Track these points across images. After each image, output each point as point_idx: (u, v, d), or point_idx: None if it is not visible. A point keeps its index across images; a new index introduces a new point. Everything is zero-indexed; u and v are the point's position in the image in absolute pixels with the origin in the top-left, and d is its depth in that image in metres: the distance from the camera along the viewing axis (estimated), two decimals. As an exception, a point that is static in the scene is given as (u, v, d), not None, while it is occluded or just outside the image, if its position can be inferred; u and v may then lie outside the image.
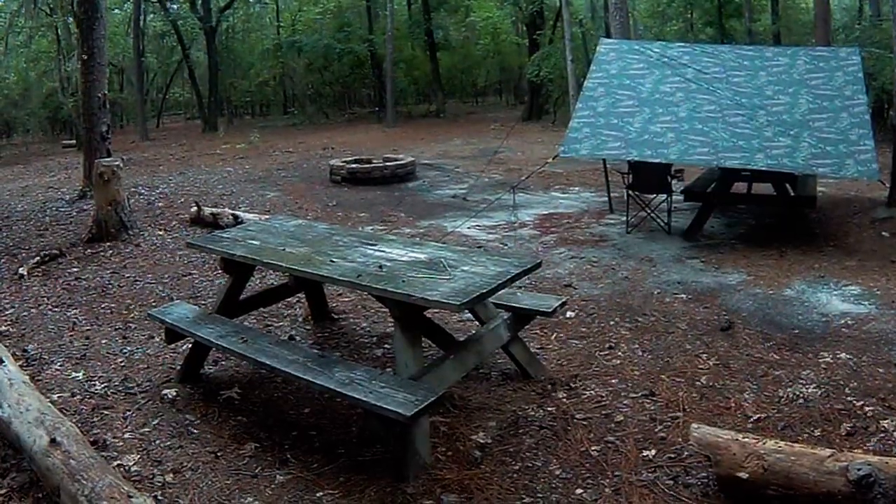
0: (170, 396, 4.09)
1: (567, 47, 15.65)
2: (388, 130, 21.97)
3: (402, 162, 11.92)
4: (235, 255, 3.90)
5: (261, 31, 32.94)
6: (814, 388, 3.90)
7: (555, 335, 4.78)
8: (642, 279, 6.06)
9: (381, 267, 3.44)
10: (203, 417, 3.85)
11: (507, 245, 7.39)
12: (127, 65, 27.47)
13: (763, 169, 6.88)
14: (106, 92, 10.55)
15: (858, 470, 2.54)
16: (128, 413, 3.94)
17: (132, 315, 5.53)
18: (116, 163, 7.98)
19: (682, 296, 5.58)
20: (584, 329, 4.91)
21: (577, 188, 10.80)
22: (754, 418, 3.59)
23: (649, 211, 7.78)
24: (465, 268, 3.39)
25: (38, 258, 7.16)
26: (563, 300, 4.21)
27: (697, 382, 4.01)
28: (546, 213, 9.04)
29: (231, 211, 8.21)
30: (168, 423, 3.79)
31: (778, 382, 4.00)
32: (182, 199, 10.18)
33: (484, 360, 4.00)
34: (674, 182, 7.78)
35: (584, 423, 3.60)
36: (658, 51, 8.33)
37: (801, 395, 3.82)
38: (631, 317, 5.11)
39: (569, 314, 5.17)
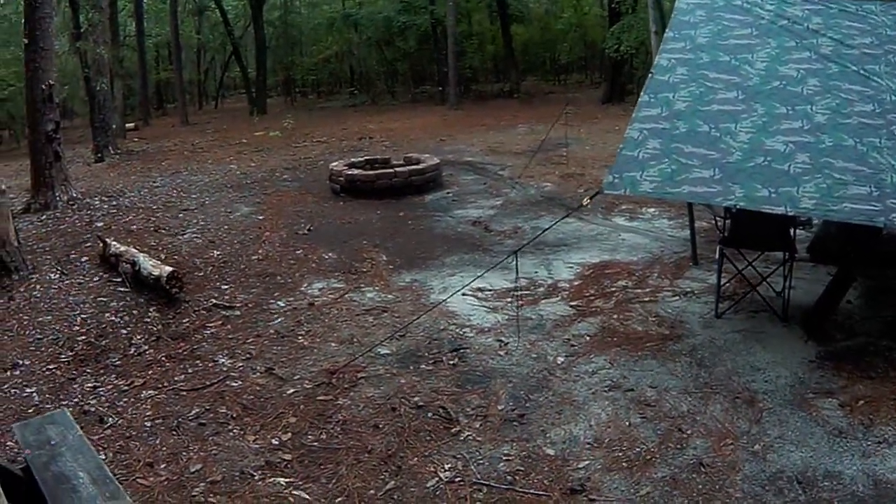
0: None
1: (651, 15, 12.22)
2: (449, 114, 19.24)
3: (419, 167, 9.15)
4: None
5: (330, 4, 30.66)
6: None
7: None
8: (730, 468, 3.08)
9: None
10: None
11: (507, 342, 4.50)
12: (183, 43, 25.83)
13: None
14: (52, 82, 8.39)
15: None
16: None
17: None
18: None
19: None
20: None
21: (651, 211, 7.74)
22: None
23: (755, 281, 4.75)
24: None
25: None
26: None
27: None
28: (597, 261, 6.09)
29: (134, 254, 5.76)
30: None
31: None
32: (131, 216, 7.88)
33: None
34: (798, 231, 4.74)
35: None
36: (773, 7, 4.91)
37: None
38: None
39: None
